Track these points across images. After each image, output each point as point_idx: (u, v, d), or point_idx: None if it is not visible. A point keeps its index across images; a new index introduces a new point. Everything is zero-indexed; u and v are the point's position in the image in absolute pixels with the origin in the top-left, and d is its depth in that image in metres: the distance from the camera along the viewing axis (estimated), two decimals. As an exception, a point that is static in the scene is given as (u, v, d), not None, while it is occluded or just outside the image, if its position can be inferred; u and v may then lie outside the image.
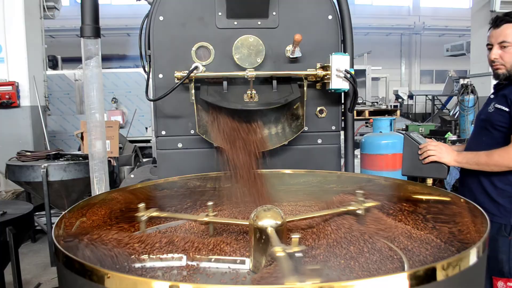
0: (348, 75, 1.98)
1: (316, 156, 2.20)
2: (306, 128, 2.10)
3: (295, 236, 1.13)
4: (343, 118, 2.25)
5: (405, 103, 17.07)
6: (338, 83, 2.00)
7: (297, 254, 1.06)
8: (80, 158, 4.57)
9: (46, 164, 4.24)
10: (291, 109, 2.13)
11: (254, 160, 1.89)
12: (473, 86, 7.26)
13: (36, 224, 4.92)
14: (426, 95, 16.26)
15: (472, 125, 7.03)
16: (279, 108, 2.06)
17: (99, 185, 2.47)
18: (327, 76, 2.01)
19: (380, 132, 3.70)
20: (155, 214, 1.59)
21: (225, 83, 2.01)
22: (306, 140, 2.19)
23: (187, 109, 2.08)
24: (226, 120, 1.97)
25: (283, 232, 1.37)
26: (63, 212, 1.35)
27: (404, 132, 2.50)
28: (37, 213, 5.27)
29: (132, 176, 5.26)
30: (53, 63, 9.91)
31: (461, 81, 10.63)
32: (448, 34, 19.93)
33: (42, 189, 4.19)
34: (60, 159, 4.62)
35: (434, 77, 21.89)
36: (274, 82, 2.04)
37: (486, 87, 7.16)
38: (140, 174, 5.24)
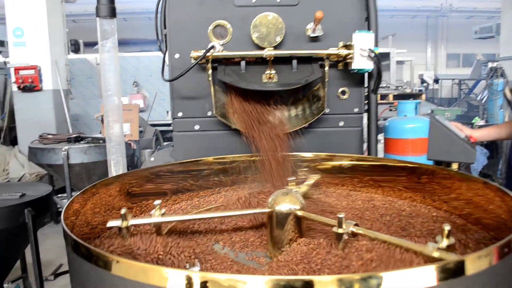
0: (372, 54, 1.88)
1: (338, 139, 2.12)
2: (327, 110, 2.02)
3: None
4: (366, 100, 2.15)
5: (431, 87, 16.65)
6: (362, 63, 1.91)
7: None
8: (101, 141, 4.59)
9: (67, 147, 4.27)
10: (312, 90, 2.05)
11: (275, 143, 1.83)
12: (503, 70, 6.99)
13: (58, 206, 4.99)
14: (453, 79, 15.81)
15: (501, 110, 6.82)
16: (299, 89, 1.98)
17: (116, 168, 2.45)
18: (350, 55, 1.92)
19: (405, 116, 3.57)
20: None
21: (243, 63, 1.94)
22: (327, 122, 2.10)
23: (204, 90, 2.02)
24: (244, 101, 1.91)
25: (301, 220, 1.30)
26: (74, 195, 1.31)
27: (430, 114, 2.39)
28: (59, 195, 5.36)
29: (152, 159, 5.26)
30: (75, 47, 9.99)
31: (489, 65, 10.31)
32: (476, 16, 19.30)
33: (63, 171, 4.23)
34: (81, 142, 4.65)
35: (461, 61, 21.29)
36: (294, 62, 1.95)
37: (516, 70, 6.90)
38: (160, 157, 5.23)
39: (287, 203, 1.31)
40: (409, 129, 3.44)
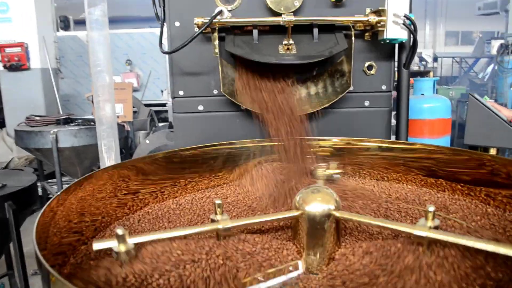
0: (408, 22, 1.60)
1: (363, 121, 1.85)
2: (351, 88, 1.73)
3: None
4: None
5: (430, 65, 16.35)
6: (395, 32, 1.63)
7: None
8: (92, 123, 4.29)
9: (55, 130, 3.98)
10: (334, 65, 1.76)
11: (293, 126, 1.55)
12: (514, 46, 6.69)
13: (48, 192, 4.72)
14: (453, 57, 15.49)
15: (511, 89, 6.55)
16: (320, 63, 1.69)
17: (108, 154, 2.18)
18: (381, 23, 1.63)
19: (422, 94, 3.30)
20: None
21: (255, 31, 1.64)
22: (351, 102, 1.83)
23: (209, 64, 1.74)
24: (258, 77, 1.62)
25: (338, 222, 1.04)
26: (57, 194, 1.03)
27: (469, 93, 2.12)
28: (49, 180, 5.08)
29: (147, 141, 5.00)
30: (64, 24, 9.56)
31: (493, 42, 10.05)
32: (476, -8, 18.86)
33: (52, 156, 3.94)
34: (71, 124, 4.36)
35: (460, 38, 20.96)
36: (315, 30, 1.66)
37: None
38: (156, 140, 4.97)
39: (319, 202, 1.04)
40: (427, 109, 3.17)
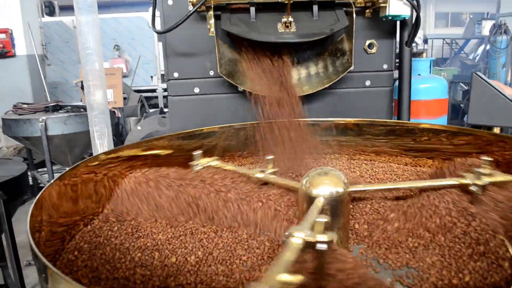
0: (411, -3, 1.55)
1: (363, 101, 1.80)
2: (352, 67, 1.67)
3: (321, 220, 0.75)
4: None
5: (420, 47, 16.31)
6: (398, 8, 1.57)
7: (319, 245, 0.67)
8: (82, 110, 4.20)
9: (44, 117, 3.87)
10: (335, 43, 1.70)
11: (293, 107, 1.49)
12: (507, 26, 6.63)
13: (39, 181, 4.63)
14: (444, 39, 15.44)
15: (504, 69, 6.54)
16: (320, 41, 1.63)
17: (101, 140, 2.10)
18: (383, -2, 1.57)
19: (419, 75, 3.25)
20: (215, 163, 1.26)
21: (252, 9, 1.57)
22: (352, 82, 1.78)
23: (205, 44, 1.67)
24: (256, 56, 1.56)
25: (344, 204, 0.99)
26: (50, 182, 0.97)
27: (474, 72, 2.07)
28: (39, 169, 4.98)
29: (139, 127, 4.89)
30: (50, 10, 9.31)
31: (483, 23, 10.03)
32: (466, -29, 18.78)
33: (42, 144, 3.84)
34: (60, 111, 4.25)
35: (450, 20, 20.89)
36: (315, 7, 1.59)
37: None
38: (148, 126, 4.87)
39: (327, 185, 0.99)
40: (424, 90, 3.11)
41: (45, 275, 0.63)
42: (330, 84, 1.66)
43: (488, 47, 7.39)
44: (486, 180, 0.95)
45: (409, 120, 1.84)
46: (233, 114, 1.70)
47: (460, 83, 6.45)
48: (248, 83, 1.60)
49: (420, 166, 1.46)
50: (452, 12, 20.77)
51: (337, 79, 1.64)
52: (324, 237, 0.72)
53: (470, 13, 18.43)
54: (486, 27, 9.99)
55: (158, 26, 1.65)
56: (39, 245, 0.76)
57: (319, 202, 0.94)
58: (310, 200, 0.97)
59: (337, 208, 0.97)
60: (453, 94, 6.53)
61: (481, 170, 0.97)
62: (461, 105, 6.85)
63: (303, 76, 1.68)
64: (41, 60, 6.45)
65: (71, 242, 0.98)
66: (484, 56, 9.68)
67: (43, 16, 7.82)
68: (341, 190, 0.98)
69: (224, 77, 1.60)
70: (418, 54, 7.32)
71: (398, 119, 1.86)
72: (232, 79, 1.61)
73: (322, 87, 1.66)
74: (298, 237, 0.71)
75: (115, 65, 7.68)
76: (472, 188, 0.97)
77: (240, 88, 1.65)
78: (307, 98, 1.67)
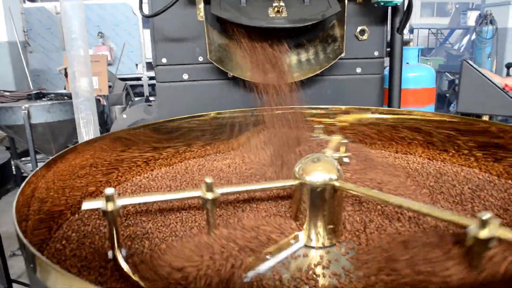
0: (403, -18, 1.53)
1: (354, 88, 1.78)
2: (343, 54, 1.66)
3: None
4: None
5: (406, 37, 16.37)
6: (391, -7, 1.55)
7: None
8: (66, 97, 4.11)
9: (27, 105, 3.78)
10: (327, 29, 1.68)
11: (284, 94, 1.47)
12: (492, 16, 6.67)
13: (22, 171, 4.54)
14: (429, 29, 15.52)
15: (489, 59, 6.59)
16: (312, 27, 1.61)
17: (87, 128, 2.06)
18: (375, -17, 1.56)
19: (407, 63, 3.26)
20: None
21: (243, -7, 1.54)
22: (343, 68, 1.76)
23: (194, 29, 1.63)
24: (246, 42, 1.53)
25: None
26: (35, 170, 0.93)
27: (463, 60, 2.07)
28: (23, 158, 4.89)
29: (124, 116, 4.83)
30: (31, -5, 9.08)
31: (468, 13, 10.08)
32: (452, -39, 18.82)
33: (25, 133, 3.76)
34: (43, 98, 4.16)
35: (435, 10, 20.97)
36: (306, -8, 1.57)
37: (504, 17, 6.59)
38: (133, 114, 4.81)
39: (320, 172, 0.97)
40: (412, 78, 3.13)
41: (33, 265, 0.61)
42: (322, 70, 1.64)
43: (473, 37, 7.45)
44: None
45: (399, 107, 1.84)
46: (223, 101, 1.68)
47: (446, 73, 6.51)
48: (238, 70, 1.58)
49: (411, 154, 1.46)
50: (438, 2, 20.87)
51: (328, 65, 1.63)
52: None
53: (455, 3, 18.53)
54: (472, 17, 10.06)
55: (146, 11, 1.61)
56: (26, 234, 0.73)
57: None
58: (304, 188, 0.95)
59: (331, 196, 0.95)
60: (439, 84, 6.57)
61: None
62: (447, 94, 6.92)
63: (294, 63, 1.66)
64: (23, 47, 6.31)
65: (58, 231, 0.95)
66: (469, 46, 9.77)
67: (24, 2, 7.64)
68: (334, 176, 0.96)
69: (214, 63, 1.57)
70: (406, 43, 7.35)
71: (388, 107, 1.86)
72: (222, 65, 1.58)
73: (313, 74, 1.64)
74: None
75: (99, 52, 7.54)
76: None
77: (230, 75, 1.62)
78: (298, 85, 1.64)
